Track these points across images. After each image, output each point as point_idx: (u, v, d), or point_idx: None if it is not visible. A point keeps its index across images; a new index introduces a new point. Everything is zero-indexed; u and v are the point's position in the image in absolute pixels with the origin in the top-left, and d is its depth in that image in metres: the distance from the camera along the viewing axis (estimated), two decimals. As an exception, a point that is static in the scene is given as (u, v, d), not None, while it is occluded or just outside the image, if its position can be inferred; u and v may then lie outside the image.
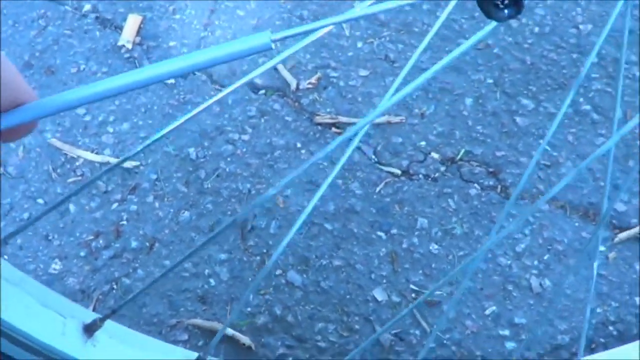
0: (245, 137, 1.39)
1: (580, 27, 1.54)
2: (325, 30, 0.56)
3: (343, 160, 0.78)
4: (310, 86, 1.45)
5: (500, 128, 1.40)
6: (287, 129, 1.40)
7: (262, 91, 1.45)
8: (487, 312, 1.21)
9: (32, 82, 1.46)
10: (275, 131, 1.39)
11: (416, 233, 1.29)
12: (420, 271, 1.25)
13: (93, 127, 1.40)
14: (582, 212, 1.31)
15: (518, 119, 1.41)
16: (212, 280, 1.24)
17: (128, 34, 1.53)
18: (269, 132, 1.39)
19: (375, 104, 1.43)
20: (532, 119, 1.41)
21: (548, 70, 1.48)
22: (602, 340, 1.20)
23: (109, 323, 0.81)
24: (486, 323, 1.21)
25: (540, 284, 1.24)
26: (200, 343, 1.18)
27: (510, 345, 1.19)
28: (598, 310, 1.22)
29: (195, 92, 1.44)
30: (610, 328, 1.21)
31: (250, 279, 1.24)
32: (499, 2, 0.54)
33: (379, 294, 1.23)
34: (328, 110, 1.42)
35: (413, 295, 1.23)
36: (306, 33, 0.50)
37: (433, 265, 1.25)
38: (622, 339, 1.20)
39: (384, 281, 1.24)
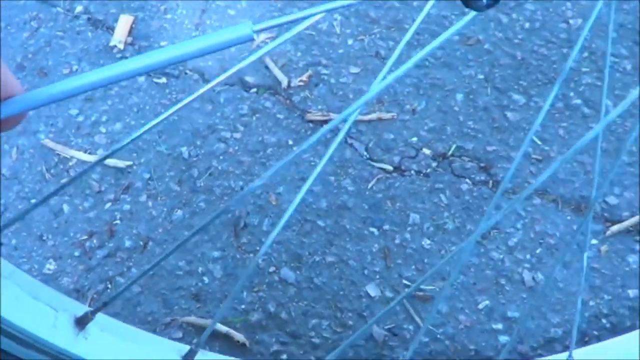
0: (237, 135, 1.39)
1: (571, 21, 1.54)
2: (310, 20, 0.57)
3: (334, 146, 0.78)
4: (301, 84, 1.45)
5: (491, 123, 1.41)
6: (278, 126, 1.40)
7: (254, 89, 1.45)
8: (480, 306, 1.22)
9: (25, 84, 1.46)
10: (267, 129, 1.40)
11: (408, 229, 1.29)
12: (413, 266, 1.25)
13: (86, 127, 1.41)
14: (574, 205, 1.32)
15: (509, 114, 1.42)
16: (205, 278, 1.24)
17: (120, 35, 1.53)
18: (260, 130, 1.40)
19: (366, 101, 1.43)
20: (523, 113, 1.42)
21: (539, 65, 1.48)
22: (595, 332, 1.20)
23: (100, 316, 0.82)
24: (479, 317, 1.21)
25: (533, 278, 1.24)
26: (194, 340, 1.18)
27: (503, 338, 1.19)
28: (591, 303, 1.23)
29: (188, 91, 1.45)
30: (604, 321, 1.21)
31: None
32: (477, -8, 0.54)
33: (372, 290, 1.23)
34: (319, 107, 1.42)
35: (406, 290, 1.23)
36: (288, 23, 0.50)
37: (426, 261, 1.26)
38: (615, 331, 1.20)
39: (377, 277, 1.25)
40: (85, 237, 1.29)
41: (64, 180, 1.35)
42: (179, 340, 1.17)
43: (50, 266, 1.26)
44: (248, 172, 1.34)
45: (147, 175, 1.34)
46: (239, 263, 1.25)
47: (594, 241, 1.28)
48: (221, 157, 1.36)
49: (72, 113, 1.42)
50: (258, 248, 1.27)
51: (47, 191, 1.34)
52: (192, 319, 1.20)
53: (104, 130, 1.40)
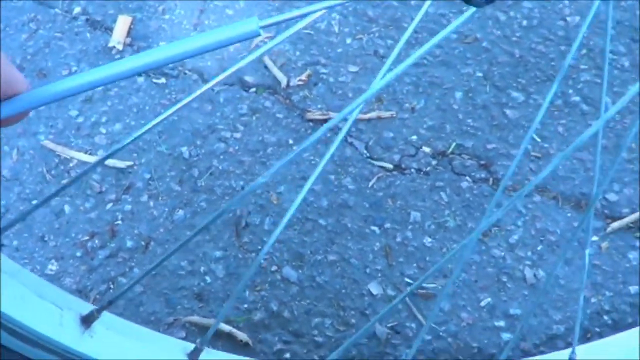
0: (237, 135, 1.39)
1: (568, 19, 1.55)
2: (314, 16, 0.57)
3: (335, 145, 0.79)
4: (300, 83, 1.45)
5: (490, 121, 1.41)
6: (278, 126, 1.41)
7: (253, 89, 1.46)
8: (482, 303, 1.22)
9: (23, 85, 1.46)
10: (266, 128, 1.40)
11: (409, 227, 1.29)
12: (415, 264, 1.26)
13: (86, 128, 1.41)
14: (574, 202, 1.32)
15: (508, 112, 1.42)
16: (208, 278, 1.24)
17: (118, 35, 1.53)
18: (260, 130, 1.40)
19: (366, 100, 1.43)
20: (522, 111, 1.42)
21: (537, 63, 1.49)
22: (597, 329, 1.20)
23: (105, 315, 0.82)
24: (481, 315, 1.21)
25: (534, 275, 1.25)
26: (197, 340, 1.18)
27: (505, 336, 1.20)
28: (593, 300, 1.23)
29: (187, 91, 1.45)
30: (605, 317, 1.22)
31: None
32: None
33: (374, 288, 1.24)
34: (319, 106, 1.43)
35: (408, 288, 1.23)
36: (293, 19, 0.50)
37: (427, 259, 1.26)
38: (617, 327, 1.21)
39: (379, 275, 1.25)
40: (87, 237, 1.29)
41: (64, 181, 1.35)
42: (182, 340, 1.17)
43: (52, 267, 1.26)
44: (249, 172, 1.35)
45: (147, 176, 1.35)
46: (241, 262, 1.25)
47: (594, 238, 1.28)
48: (221, 157, 1.36)
49: (71, 114, 1.42)
50: (260, 247, 1.27)
51: (48, 192, 1.34)
52: (195, 318, 1.21)
53: (104, 131, 1.40)
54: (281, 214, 1.30)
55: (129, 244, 1.28)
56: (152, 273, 1.24)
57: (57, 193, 0.70)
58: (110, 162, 1.35)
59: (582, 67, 1.47)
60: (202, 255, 1.26)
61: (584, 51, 1.49)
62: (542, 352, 1.18)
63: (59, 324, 0.75)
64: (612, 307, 1.22)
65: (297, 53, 1.49)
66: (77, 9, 1.58)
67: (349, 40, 1.52)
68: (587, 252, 0.98)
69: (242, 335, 1.19)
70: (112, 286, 1.24)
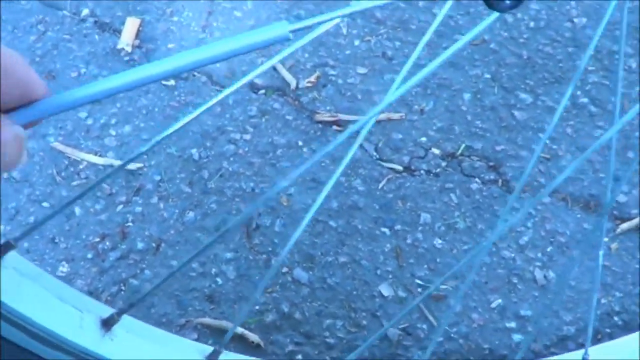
0: (247, 137, 1.39)
1: (575, 20, 1.55)
2: (335, 22, 0.57)
3: (348, 157, 0.79)
4: (309, 85, 1.46)
5: (499, 122, 1.41)
6: (288, 127, 1.41)
7: (262, 91, 1.46)
8: (493, 305, 1.22)
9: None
10: (276, 130, 1.40)
11: (420, 228, 1.30)
12: (425, 266, 1.26)
13: (95, 130, 1.41)
14: (583, 203, 1.33)
15: (516, 113, 1.42)
16: (219, 279, 1.24)
17: (127, 37, 1.53)
18: (270, 131, 1.40)
19: (374, 101, 1.44)
20: (531, 112, 1.42)
21: (544, 64, 1.49)
22: (607, 330, 1.21)
23: (125, 317, 0.82)
24: (492, 316, 1.22)
25: (545, 276, 1.25)
26: (209, 342, 1.18)
27: (516, 337, 1.20)
28: (602, 300, 1.23)
29: (196, 93, 1.45)
30: (615, 318, 1.22)
31: (257, 278, 1.24)
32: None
33: (385, 290, 1.24)
34: (328, 108, 1.43)
35: (419, 289, 1.24)
36: (321, 23, 0.51)
37: (438, 260, 1.26)
38: (627, 328, 1.21)
39: (390, 276, 1.25)
40: (98, 239, 1.29)
41: (74, 183, 1.35)
42: (194, 341, 1.17)
43: (64, 269, 1.27)
44: (259, 173, 1.35)
45: (157, 178, 1.35)
46: (252, 264, 1.25)
47: (604, 239, 1.28)
48: (231, 159, 1.37)
49: (81, 116, 1.42)
50: (270, 249, 1.27)
51: (58, 194, 1.34)
52: (207, 320, 1.21)
53: (113, 132, 1.40)
54: (291, 216, 1.30)
55: (140, 245, 1.28)
56: (163, 275, 1.24)
57: (81, 196, 0.70)
58: (120, 164, 1.35)
59: (590, 68, 1.47)
60: (213, 257, 1.26)
61: (591, 52, 1.49)
62: (553, 353, 1.19)
63: (79, 326, 0.76)
64: (622, 308, 1.23)
65: (306, 55, 1.50)
66: (85, 11, 1.58)
67: (357, 42, 1.52)
68: (600, 253, 0.98)
69: (253, 337, 1.19)
70: (123, 288, 1.24)
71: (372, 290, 1.24)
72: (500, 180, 1.34)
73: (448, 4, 0.74)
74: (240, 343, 1.19)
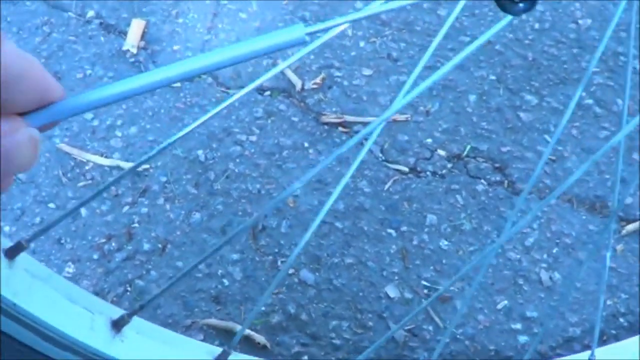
0: (253, 138, 1.40)
1: (580, 22, 1.55)
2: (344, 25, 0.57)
3: (357, 161, 0.79)
4: (315, 86, 1.46)
5: (504, 124, 1.42)
6: (294, 129, 1.41)
7: (268, 92, 1.46)
8: (499, 306, 1.23)
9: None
10: (282, 131, 1.40)
11: (426, 229, 1.30)
12: (431, 267, 1.26)
13: (101, 131, 1.41)
14: (589, 205, 1.33)
15: (522, 115, 1.43)
16: (225, 281, 1.25)
17: (132, 39, 1.53)
18: (276, 133, 1.40)
19: (380, 103, 1.44)
20: (536, 114, 1.42)
21: (549, 66, 1.49)
22: (613, 332, 1.21)
23: (135, 319, 0.82)
24: (498, 317, 1.22)
25: (550, 278, 1.25)
26: (216, 343, 1.18)
27: (522, 338, 1.20)
28: (608, 302, 1.23)
29: (202, 94, 1.45)
30: (621, 320, 1.22)
31: (263, 279, 1.25)
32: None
33: (392, 291, 1.24)
34: (334, 109, 1.43)
35: (425, 291, 1.24)
36: (338, 26, 0.51)
37: (444, 261, 1.26)
38: (633, 329, 1.21)
39: (396, 278, 1.25)
40: (104, 240, 1.29)
41: (80, 184, 1.35)
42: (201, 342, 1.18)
43: (69, 269, 1.27)
44: (265, 175, 1.35)
45: (164, 179, 1.35)
46: (258, 265, 1.26)
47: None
48: (237, 160, 1.37)
49: (87, 117, 1.42)
50: (277, 250, 1.27)
51: (64, 195, 1.34)
52: (213, 321, 1.21)
53: (119, 134, 1.41)
54: (298, 217, 1.30)
55: (146, 246, 1.28)
56: (169, 276, 1.25)
57: (93, 197, 0.70)
58: (126, 165, 1.35)
59: (595, 70, 1.47)
60: (219, 258, 1.26)
61: (599, 54, 1.49)
62: (559, 355, 1.19)
63: (90, 328, 0.76)
64: (627, 309, 1.23)
65: (311, 56, 1.50)
66: (90, 13, 1.58)
67: (362, 44, 1.52)
68: (607, 255, 0.98)
69: (260, 338, 1.19)
70: (129, 289, 1.24)
71: (378, 292, 1.24)
72: (506, 182, 1.35)
73: (460, 4, 0.75)
74: (247, 344, 1.19)
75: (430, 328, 1.20)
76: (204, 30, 1.55)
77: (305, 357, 1.18)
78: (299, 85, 1.46)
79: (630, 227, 1.30)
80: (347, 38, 1.53)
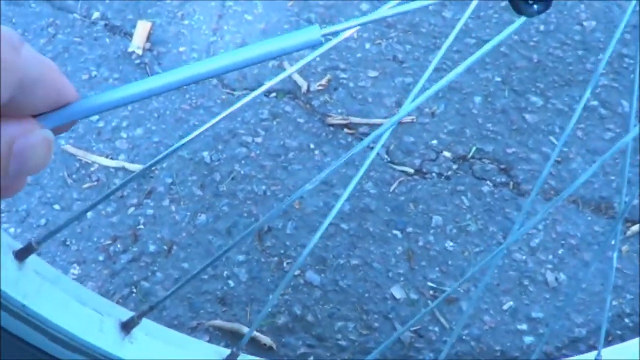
0: (259, 140, 1.40)
1: (585, 24, 1.55)
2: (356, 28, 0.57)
3: (365, 165, 0.79)
4: (320, 88, 1.46)
5: (510, 125, 1.42)
6: (299, 130, 1.41)
7: (273, 94, 1.46)
8: (505, 307, 1.23)
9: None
10: (287, 133, 1.40)
11: (431, 231, 1.30)
12: (437, 268, 1.26)
13: (106, 132, 1.41)
14: (594, 206, 1.33)
15: (527, 116, 1.43)
16: (231, 282, 1.25)
17: (138, 40, 1.53)
18: (281, 134, 1.40)
19: (385, 104, 1.44)
20: (541, 115, 1.43)
21: (554, 67, 1.49)
22: (618, 332, 1.21)
23: (145, 321, 0.82)
24: (504, 318, 1.22)
25: (556, 278, 1.25)
26: (222, 344, 1.18)
27: (528, 339, 1.20)
28: (613, 302, 1.23)
29: (207, 96, 1.45)
30: (626, 320, 1.22)
31: (269, 280, 1.25)
32: (528, -1, 0.55)
33: (397, 292, 1.24)
34: (339, 111, 1.43)
35: (431, 292, 1.24)
36: (353, 27, 0.51)
37: (449, 262, 1.27)
38: (638, 330, 1.21)
39: (402, 279, 1.25)
40: (109, 241, 1.29)
41: (85, 186, 1.35)
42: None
43: (75, 271, 1.27)
44: (270, 176, 1.35)
45: (169, 180, 1.35)
46: (263, 267, 1.26)
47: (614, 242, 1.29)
48: (243, 162, 1.37)
49: (92, 119, 1.42)
50: (282, 251, 1.27)
51: (69, 196, 1.34)
52: (219, 322, 1.21)
53: (124, 135, 1.41)
54: (303, 219, 1.30)
55: (152, 248, 1.29)
56: (175, 277, 1.25)
57: (102, 200, 0.70)
58: (131, 166, 1.35)
59: (600, 71, 1.47)
60: (225, 259, 1.26)
61: (600, 55, 1.49)
62: (564, 355, 1.19)
63: (99, 329, 0.76)
64: (632, 309, 1.23)
65: (317, 58, 1.50)
66: (95, 14, 1.59)
67: (367, 46, 1.53)
68: (614, 255, 0.98)
69: (265, 339, 1.19)
70: (134, 290, 1.24)
71: (384, 293, 1.24)
72: (511, 183, 1.35)
73: (473, 4, 0.75)
74: (253, 345, 1.19)
75: (436, 329, 1.21)
76: (210, 31, 1.55)
77: (311, 358, 1.18)
78: (304, 87, 1.46)
79: (636, 228, 1.30)
80: (352, 40, 1.53)
